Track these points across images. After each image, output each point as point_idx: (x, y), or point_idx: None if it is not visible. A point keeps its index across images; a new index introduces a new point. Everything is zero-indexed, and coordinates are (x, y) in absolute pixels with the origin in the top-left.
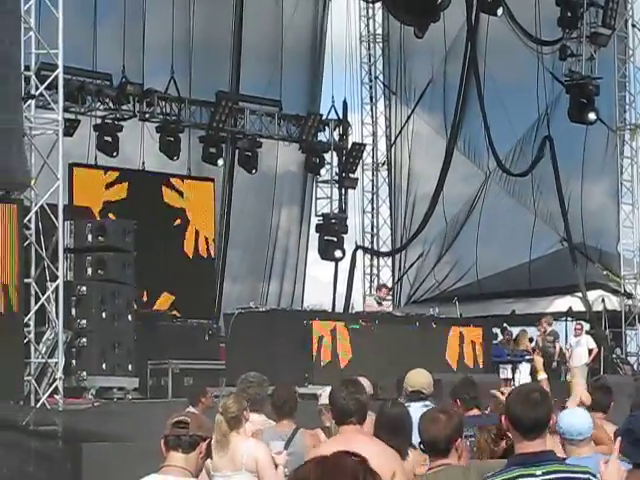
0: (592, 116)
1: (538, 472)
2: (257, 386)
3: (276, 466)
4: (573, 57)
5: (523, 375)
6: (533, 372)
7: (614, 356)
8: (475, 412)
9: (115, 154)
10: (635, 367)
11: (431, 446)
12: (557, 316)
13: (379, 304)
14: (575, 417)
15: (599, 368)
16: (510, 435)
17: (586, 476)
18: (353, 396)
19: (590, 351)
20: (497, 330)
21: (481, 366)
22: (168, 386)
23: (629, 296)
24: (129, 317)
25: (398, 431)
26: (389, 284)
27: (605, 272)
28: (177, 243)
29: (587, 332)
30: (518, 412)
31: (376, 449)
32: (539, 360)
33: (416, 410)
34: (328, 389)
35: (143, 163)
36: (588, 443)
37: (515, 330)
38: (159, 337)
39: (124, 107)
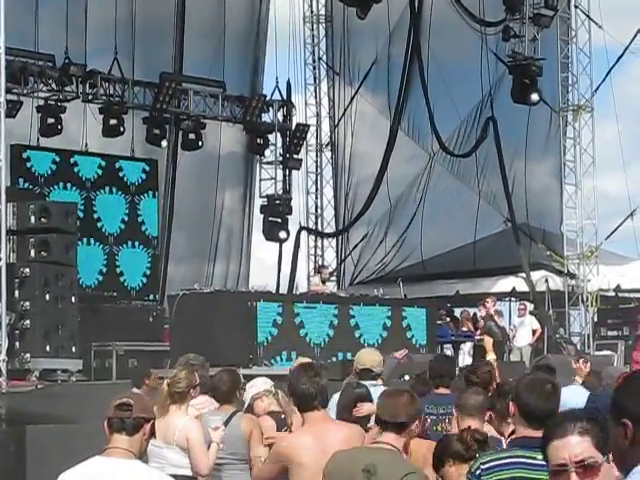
0: (535, 97)
1: (539, 457)
2: (200, 368)
3: (209, 446)
4: (516, 38)
5: (466, 355)
6: (478, 352)
7: (557, 336)
8: (444, 391)
9: (59, 134)
10: (578, 347)
11: (386, 424)
12: (501, 296)
13: (323, 283)
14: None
15: (543, 348)
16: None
17: None
18: (313, 380)
19: (534, 331)
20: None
21: (425, 346)
22: (112, 368)
23: (572, 276)
24: (73, 299)
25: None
26: (333, 265)
27: (548, 252)
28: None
29: (531, 312)
30: (531, 403)
31: (350, 433)
32: (489, 340)
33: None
34: (257, 379)
35: (86, 145)
36: None
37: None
38: (103, 319)
39: (67, 88)
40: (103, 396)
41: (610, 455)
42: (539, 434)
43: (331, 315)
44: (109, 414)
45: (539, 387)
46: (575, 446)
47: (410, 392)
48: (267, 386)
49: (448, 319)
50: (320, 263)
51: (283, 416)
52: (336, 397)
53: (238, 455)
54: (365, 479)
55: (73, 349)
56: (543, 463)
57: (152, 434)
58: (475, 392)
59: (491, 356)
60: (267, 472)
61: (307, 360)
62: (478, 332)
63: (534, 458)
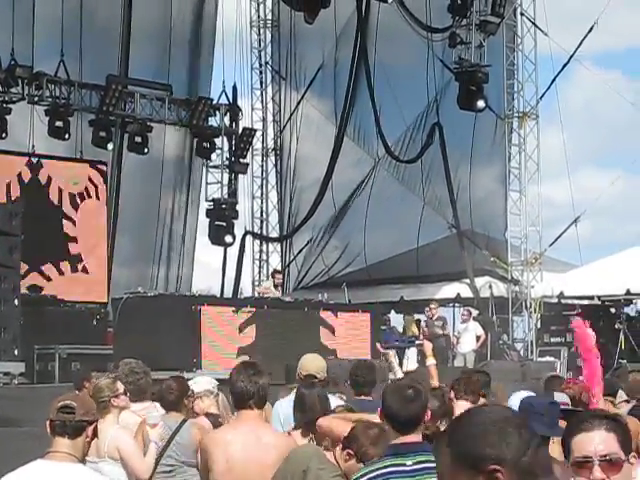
0: (481, 103)
1: (408, 462)
2: (146, 375)
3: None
4: (463, 45)
5: (411, 360)
6: (422, 357)
7: (501, 342)
8: (365, 397)
9: (4, 136)
10: (521, 353)
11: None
12: (445, 302)
13: (276, 288)
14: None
15: (486, 354)
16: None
17: None
18: (252, 379)
19: (477, 337)
20: (394, 316)
21: (369, 352)
22: (55, 371)
23: (516, 283)
24: (15, 302)
25: (318, 412)
26: (278, 269)
27: (492, 259)
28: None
29: (474, 318)
30: (393, 407)
31: (281, 444)
32: (428, 345)
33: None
34: (201, 378)
35: (33, 146)
36: None
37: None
38: (46, 322)
39: (13, 90)
40: (45, 399)
41: (631, 456)
42: (406, 439)
43: (275, 320)
44: (51, 416)
45: (401, 391)
46: (601, 441)
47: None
48: (210, 386)
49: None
50: (275, 268)
51: (221, 419)
52: (284, 403)
53: (188, 462)
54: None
55: (15, 352)
56: (414, 467)
57: (94, 436)
58: None
59: (431, 361)
60: (202, 470)
61: (248, 359)
62: (421, 337)
63: (404, 464)
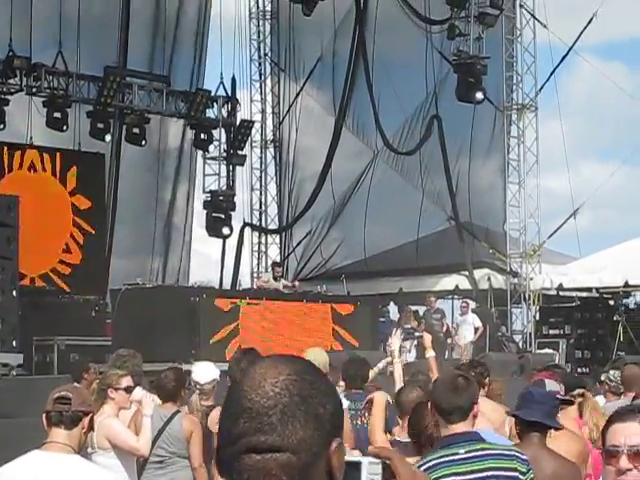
0: (479, 95)
1: (461, 451)
2: (132, 358)
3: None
4: (461, 36)
5: (409, 353)
6: (421, 350)
7: (499, 334)
8: (356, 391)
9: (2, 127)
10: (520, 345)
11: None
12: (444, 294)
13: (276, 280)
14: None
15: (485, 346)
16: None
17: (512, 453)
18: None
19: (476, 329)
20: (393, 308)
21: (368, 343)
22: (53, 362)
23: (515, 275)
24: (13, 292)
25: None
26: (277, 262)
27: (491, 251)
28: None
29: (473, 310)
30: (441, 397)
31: None
32: (427, 337)
33: None
34: (203, 365)
35: (31, 138)
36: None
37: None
38: (45, 313)
39: (11, 81)
40: (43, 390)
41: None
42: (457, 429)
43: (274, 311)
44: (47, 407)
45: (452, 381)
46: (632, 432)
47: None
48: (215, 375)
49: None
50: (274, 260)
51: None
52: None
53: (179, 453)
54: None
55: (14, 343)
56: (465, 456)
57: (91, 428)
58: (411, 389)
59: (430, 353)
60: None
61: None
62: (422, 329)
63: (456, 454)
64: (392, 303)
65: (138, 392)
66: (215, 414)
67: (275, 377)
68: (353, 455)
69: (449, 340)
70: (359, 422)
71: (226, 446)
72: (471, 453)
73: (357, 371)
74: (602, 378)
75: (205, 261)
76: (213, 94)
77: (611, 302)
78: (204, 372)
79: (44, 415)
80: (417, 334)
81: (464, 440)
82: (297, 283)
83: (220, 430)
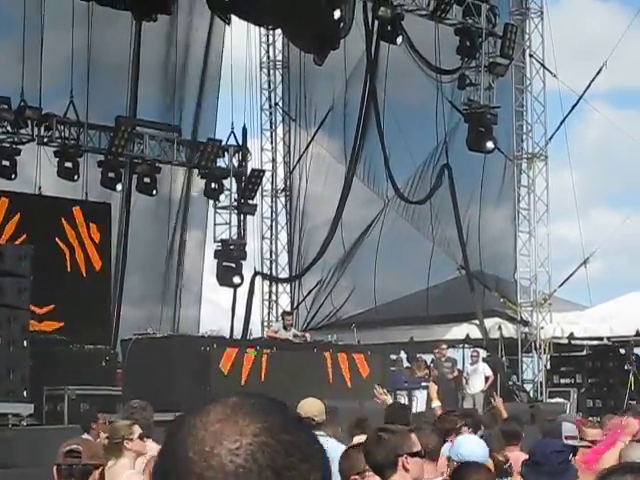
0: (490, 145)
1: None
2: (142, 410)
3: None
4: (472, 86)
5: (420, 402)
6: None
7: (510, 383)
8: None
9: (14, 177)
10: (531, 394)
11: None
12: (454, 343)
13: (286, 329)
14: (477, 444)
15: (495, 395)
16: None
17: None
18: None
19: (486, 378)
20: (403, 357)
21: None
22: (64, 412)
23: (525, 324)
24: (24, 343)
25: None
26: (288, 311)
27: (502, 300)
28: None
29: (483, 359)
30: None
31: None
32: (433, 388)
33: None
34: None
35: (39, 187)
36: None
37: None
38: (56, 363)
39: (22, 131)
40: (54, 440)
41: None
42: None
43: (285, 361)
44: (58, 460)
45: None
46: None
47: None
48: None
49: (405, 365)
50: (283, 309)
51: None
52: None
53: None
54: None
55: (24, 393)
56: None
57: None
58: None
59: (436, 403)
60: None
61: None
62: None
63: None
64: (402, 352)
65: (153, 446)
66: None
67: (236, 439)
68: None
69: (460, 390)
70: None
71: None
72: None
73: (398, 417)
74: None
75: (216, 310)
76: (224, 143)
77: (622, 351)
78: None
79: (55, 468)
80: (424, 384)
81: None
82: (308, 335)
83: None
